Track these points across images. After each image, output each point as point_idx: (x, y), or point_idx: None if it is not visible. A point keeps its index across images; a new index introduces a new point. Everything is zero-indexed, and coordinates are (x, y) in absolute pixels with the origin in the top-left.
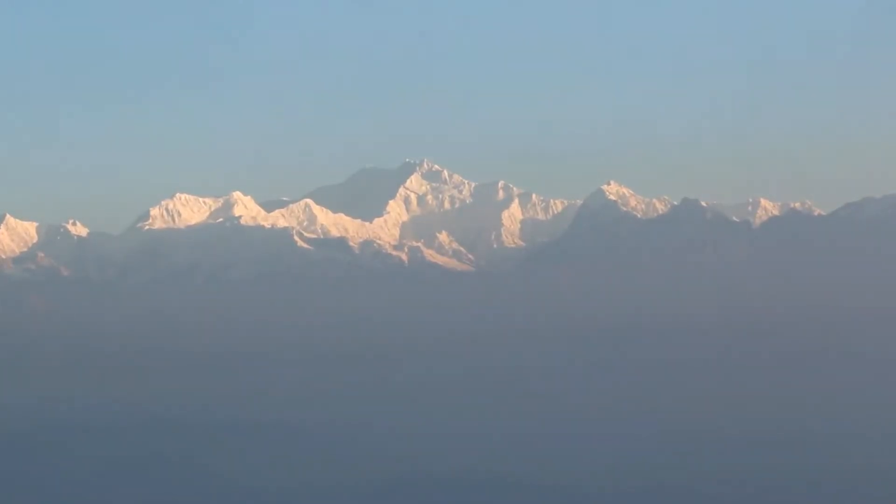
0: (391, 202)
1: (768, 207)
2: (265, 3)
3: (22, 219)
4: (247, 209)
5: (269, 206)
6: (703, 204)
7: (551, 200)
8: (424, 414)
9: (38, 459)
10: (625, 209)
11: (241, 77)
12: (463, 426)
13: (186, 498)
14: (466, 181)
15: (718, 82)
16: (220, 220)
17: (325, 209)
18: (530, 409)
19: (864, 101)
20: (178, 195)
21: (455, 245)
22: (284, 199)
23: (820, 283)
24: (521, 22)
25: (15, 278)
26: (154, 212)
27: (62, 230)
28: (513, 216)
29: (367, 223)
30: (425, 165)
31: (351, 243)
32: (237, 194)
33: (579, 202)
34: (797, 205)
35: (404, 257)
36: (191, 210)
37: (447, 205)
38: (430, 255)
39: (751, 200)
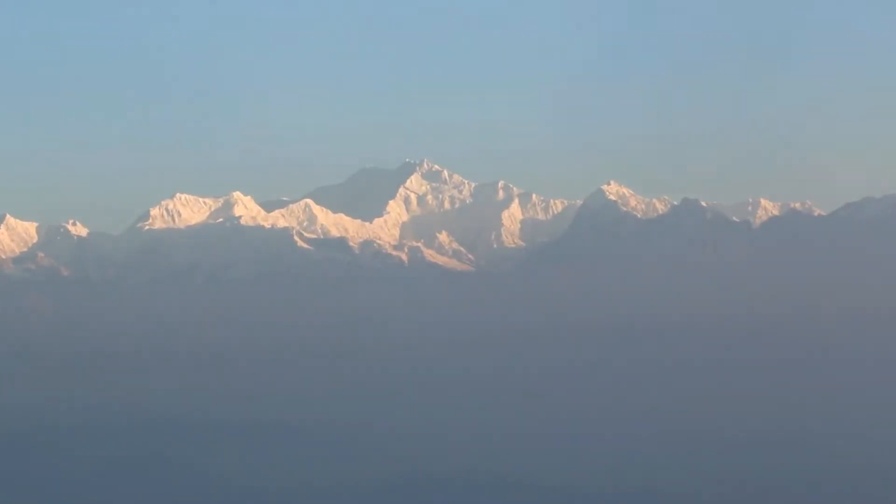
0: (391, 202)
1: (768, 207)
2: (265, 3)
3: (22, 219)
4: (247, 209)
5: (269, 206)
6: (703, 204)
7: (551, 200)
8: (424, 414)
9: (38, 459)
10: (625, 209)
11: (241, 77)
12: (463, 426)
13: (186, 498)
14: (466, 181)
15: (718, 82)
16: (220, 220)
17: (325, 209)
18: (530, 409)
19: (865, 101)
20: (178, 195)
21: (455, 245)
22: (284, 199)
23: (820, 283)
24: (521, 22)
25: (15, 278)
26: (154, 212)
27: (62, 230)
28: (513, 216)
29: (367, 223)
30: (425, 165)
31: (351, 243)
32: (237, 194)
33: (579, 202)
34: (797, 205)
35: (404, 257)
36: (191, 210)
37: (447, 205)
38: (430, 255)
39: (751, 200)
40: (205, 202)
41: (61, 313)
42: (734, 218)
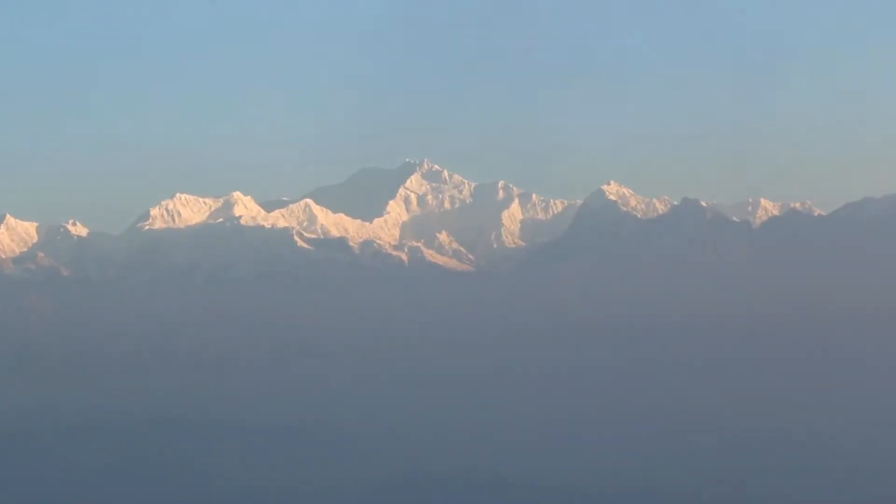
0: (391, 202)
1: (768, 207)
2: (265, 3)
3: (22, 219)
4: (247, 209)
5: (269, 206)
6: (703, 204)
7: (551, 200)
8: (424, 414)
9: (38, 459)
10: (625, 209)
11: (241, 77)
12: (463, 426)
13: (186, 498)
14: (466, 181)
15: (718, 82)
16: (220, 220)
17: (325, 209)
18: (530, 409)
19: (865, 101)
20: (178, 195)
21: (455, 245)
22: (284, 199)
23: (820, 283)
24: (521, 22)
25: (15, 278)
26: (154, 212)
27: (62, 230)
28: (513, 216)
29: (367, 223)
30: (425, 165)
31: (351, 243)
32: (237, 194)
33: (579, 202)
34: (797, 205)
35: (404, 257)
36: (191, 210)
37: (447, 205)
38: (430, 255)
39: (751, 200)
40: (205, 202)
41: (61, 313)
42: (734, 218)
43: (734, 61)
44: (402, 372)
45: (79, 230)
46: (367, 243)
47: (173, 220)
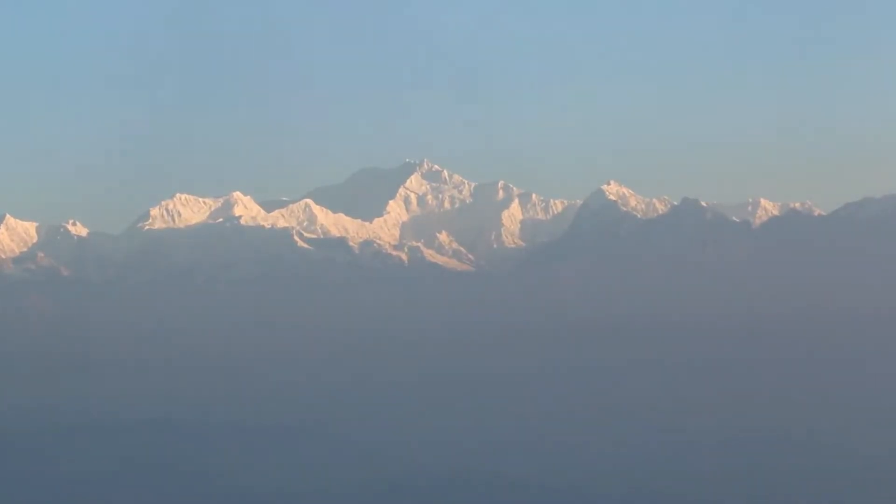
0: (391, 202)
1: (768, 207)
2: (265, 2)
3: (22, 219)
4: (247, 209)
5: (269, 206)
6: (703, 204)
7: (551, 200)
8: (424, 414)
9: (38, 459)
10: (625, 209)
11: (241, 77)
12: (463, 426)
13: (186, 498)
14: (466, 181)
15: (718, 82)
16: (220, 220)
17: (325, 209)
18: (530, 410)
19: (865, 101)
20: (178, 195)
21: (455, 245)
22: (284, 199)
23: (820, 283)
24: (521, 22)
25: (15, 278)
26: (154, 212)
27: (62, 230)
28: (513, 216)
29: (367, 223)
30: (425, 165)
31: (351, 243)
32: (237, 194)
33: (579, 202)
34: (797, 205)
35: (404, 257)
36: (191, 210)
37: (447, 205)
38: (430, 255)
39: (751, 200)
40: (205, 202)
41: (61, 313)
42: (734, 218)
43: (735, 61)
44: (402, 372)
45: (79, 230)
46: (366, 243)
47: (173, 220)
